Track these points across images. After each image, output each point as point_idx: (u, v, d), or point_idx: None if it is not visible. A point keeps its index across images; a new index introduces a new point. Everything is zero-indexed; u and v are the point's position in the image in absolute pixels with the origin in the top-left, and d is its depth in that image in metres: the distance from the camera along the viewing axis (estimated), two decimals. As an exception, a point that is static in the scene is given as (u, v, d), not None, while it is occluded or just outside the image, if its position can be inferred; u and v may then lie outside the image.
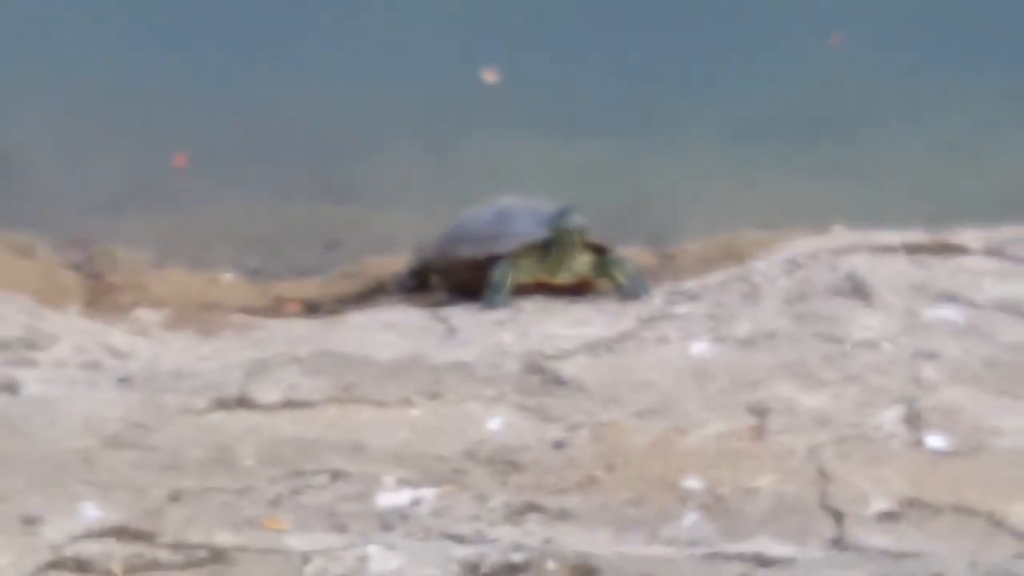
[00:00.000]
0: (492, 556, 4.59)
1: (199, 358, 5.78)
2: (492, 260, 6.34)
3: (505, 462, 5.29)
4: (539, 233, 6.39)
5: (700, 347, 5.95)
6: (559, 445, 5.34)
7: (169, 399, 5.71)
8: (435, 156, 7.12)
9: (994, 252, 6.10)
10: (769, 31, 9.33)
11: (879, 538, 4.83)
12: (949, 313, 5.72)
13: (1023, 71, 8.57)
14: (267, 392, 5.78)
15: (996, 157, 7.64)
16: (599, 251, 6.49)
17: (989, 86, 8.39)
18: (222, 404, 5.68)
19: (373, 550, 4.58)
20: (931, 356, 5.70)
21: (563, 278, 6.49)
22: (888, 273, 5.97)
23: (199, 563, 4.63)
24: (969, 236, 6.34)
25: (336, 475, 5.20)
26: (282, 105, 8.12)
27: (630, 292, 6.43)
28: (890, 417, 5.48)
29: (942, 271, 5.94)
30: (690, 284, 6.35)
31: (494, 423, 5.52)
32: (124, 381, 5.78)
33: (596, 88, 7.44)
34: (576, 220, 6.39)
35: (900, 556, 4.74)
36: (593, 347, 5.77)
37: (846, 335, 5.82)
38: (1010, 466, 5.21)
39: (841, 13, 9.92)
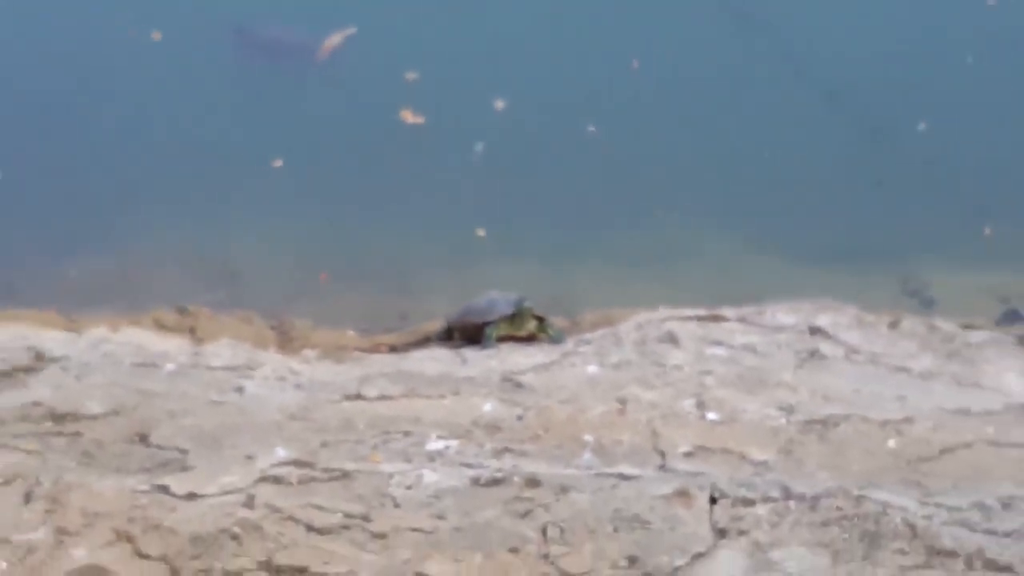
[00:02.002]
0: (485, 474, 4.83)
1: (335, 374, 5.91)
2: (485, 324, 6.32)
3: (492, 427, 5.37)
4: (509, 310, 6.32)
5: (592, 369, 5.90)
6: (520, 418, 5.44)
7: (320, 395, 5.74)
8: (457, 275, 7.13)
9: (741, 319, 6.28)
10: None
11: (684, 466, 5.01)
12: (718, 351, 5.87)
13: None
14: (370, 391, 5.76)
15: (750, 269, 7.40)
16: (539, 319, 6.39)
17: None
18: (347, 397, 5.71)
19: (425, 472, 4.82)
20: (709, 373, 5.77)
21: (521, 333, 6.43)
22: (687, 330, 6.08)
23: (337, 479, 4.80)
24: (728, 311, 6.44)
25: (406, 433, 5.27)
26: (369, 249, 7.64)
27: (555, 340, 6.35)
28: (688, 404, 5.55)
29: (714, 329, 6.10)
30: (587, 336, 6.36)
31: (487, 407, 5.57)
32: (298, 387, 5.79)
33: (540, 236, 7.50)
34: (527, 304, 6.34)
35: (695, 474, 4.87)
36: (536, 368, 5.92)
37: (665, 362, 5.85)
38: (750, 429, 5.32)
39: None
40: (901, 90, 8.88)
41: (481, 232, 7.42)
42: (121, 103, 8.70)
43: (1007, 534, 4.39)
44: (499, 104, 7.81)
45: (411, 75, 8.08)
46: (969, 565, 4.23)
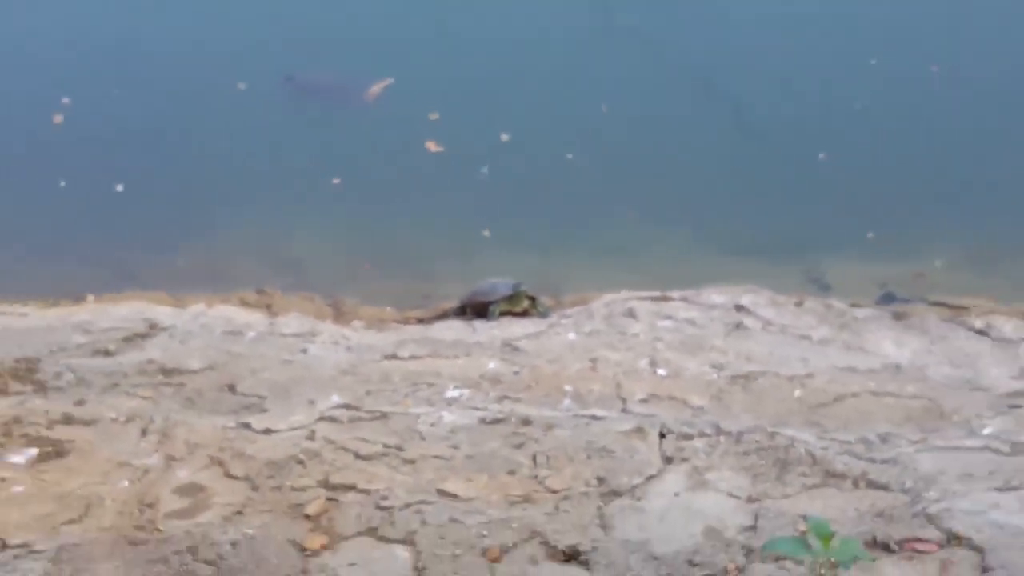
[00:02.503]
0: (489, 416, 4.88)
1: (376, 340, 5.89)
2: (489, 303, 6.26)
3: (495, 380, 5.38)
4: (508, 292, 6.25)
5: (571, 336, 5.82)
6: (516, 373, 5.45)
7: (365, 356, 5.77)
8: (468, 265, 7.16)
9: (684, 299, 6.24)
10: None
11: (640, 409, 5.05)
12: (666, 323, 5.83)
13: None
14: (403, 352, 5.72)
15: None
16: (532, 299, 6.30)
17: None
18: (386, 357, 5.69)
19: (444, 413, 4.89)
20: (659, 340, 5.69)
21: (517, 310, 6.32)
22: (643, 307, 6.04)
23: (377, 418, 4.87)
24: (674, 293, 6.35)
25: (429, 384, 5.29)
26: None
27: (543, 315, 6.25)
28: (644, 363, 5.53)
29: (664, 307, 6.06)
30: (567, 312, 6.29)
31: (491, 364, 5.59)
32: (348, 349, 5.76)
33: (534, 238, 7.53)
34: (522, 287, 6.28)
35: (648, 416, 4.92)
36: (529, 336, 5.87)
37: (626, 331, 5.78)
38: (691, 381, 5.34)
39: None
40: (806, 116, 8.82)
41: (486, 232, 7.54)
42: (216, 133, 8.87)
43: (884, 461, 4.47)
44: (504, 137, 7.94)
45: (433, 115, 8.14)
46: (856, 485, 4.33)
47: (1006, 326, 5.80)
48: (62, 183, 7.86)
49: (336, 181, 7.87)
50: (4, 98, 9.04)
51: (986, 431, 4.70)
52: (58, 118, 8.61)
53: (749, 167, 8.01)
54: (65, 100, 8.79)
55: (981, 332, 5.74)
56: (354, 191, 7.84)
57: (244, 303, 6.33)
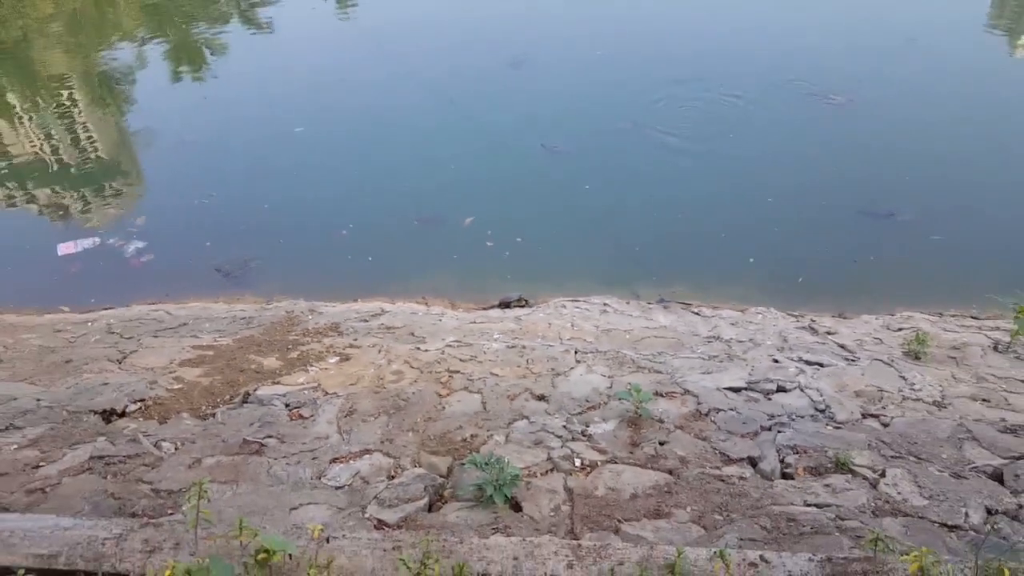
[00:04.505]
0: (509, 344, 4.52)
1: (466, 315, 5.37)
2: (510, 302, 5.62)
3: (511, 331, 4.86)
4: (515, 297, 5.64)
5: (540, 315, 5.23)
6: (519, 328, 4.93)
7: (463, 321, 5.15)
8: (501, 288, 5.93)
9: (587, 300, 5.67)
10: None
11: (567, 343, 4.59)
12: (577, 310, 5.40)
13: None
14: (475, 319, 5.17)
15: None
16: (525, 300, 5.62)
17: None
18: (470, 322, 5.11)
19: (492, 343, 4.53)
20: (574, 316, 5.21)
21: (519, 305, 5.63)
22: (568, 303, 5.55)
23: (466, 346, 4.45)
24: (582, 297, 5.62)
25: (485, 333, 4.79)
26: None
27: (529, 307, 5.51)
28: (568, 325, 4.99)
29: (576, 303, 5.57)
30: (538, 305, 5.62)
31: (510, 325, 5.02)
32: (456, 319, 5.18)
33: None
34: (521, 295, 5.65)
35: (570, 344, 4.54)
36: (524, 315, 5.39)
37: (562, 314, 5.28)
38: (586, 332, 4.85)
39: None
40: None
41: (468, 221, 6.30)
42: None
43: (659, 362, 4.28)
44: (468, 220, 6.42)
45: (468, 220, 6.51)
46: (649, 371, 4.11)
47: (706, 310, 5.49)
48: (343, 232, 6.46)
49: (468, 221, 6.41)
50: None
51: (698, 351, 4.55)
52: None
53: (613, 245, 6.27)
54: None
55: (696, 312, 5.42)
56: (437, 239, 6.41)
57: (417, 302, 5.82)
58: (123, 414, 3.55)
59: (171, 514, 2.61)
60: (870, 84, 7.99)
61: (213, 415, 3.52)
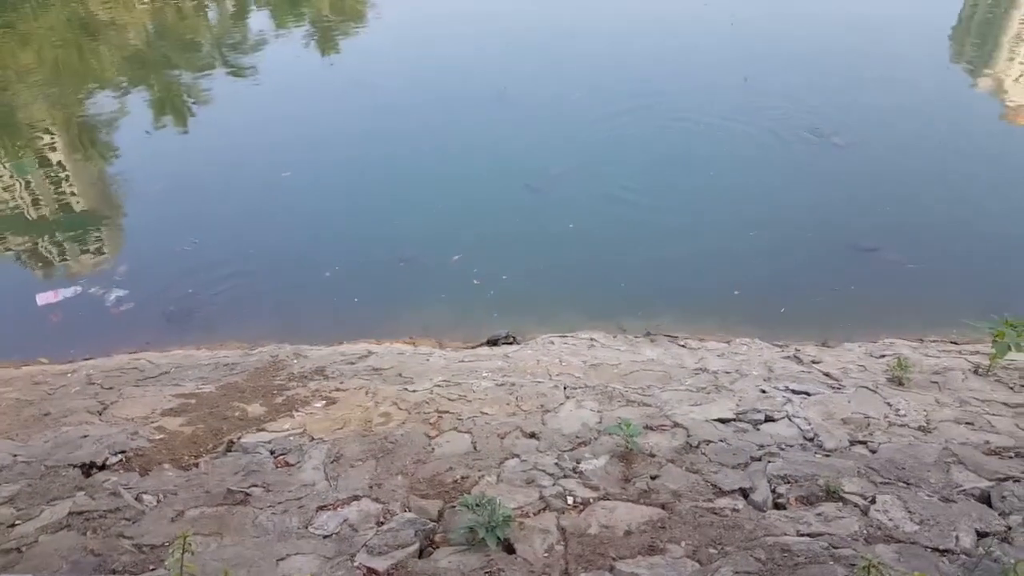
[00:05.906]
0: (498, 382, 4.51)
1: (455, 355, 5.32)
2: (498, 339, 5.58)
3: (500, 369, 4.84)
4: (504, 334, 5.58)
5: (528, 352, 5.24)
6: (508, 366, 4.87)
7: (451, 361, 5.06)
8: (489, 327, 5.97)
9: (574, 336, 5.61)
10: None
11: (556, 380, 4.57)
12: (565, 346, 5.38)
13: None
14: (464, 358, 5.15)
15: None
16: (513, 338, 5.59)
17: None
18: (459, 361, 5.05)
19: (482, 382, 4.48)
20: (562, 352, 5.15)
21: (509, 341, 5.56)
22: (556, 340, 5.55)
23: (455, 385, 4.43)
24: (570, 334, 5.62)
25: (474, 371, 4.76)
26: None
27: (517, 344, 5.51)
28: (556, 361, 4.99)
29: (564, 339, 5.53)
30: (527, 342, 5.56)
31: (499, 363, 5.04)
32: (444, 358, 5.19)
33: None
34: (510, 332, 5.62)
35: (559, 382, 4.52)
36: (513, 352, 5.40)
37: (549, 350, 5.24)
38: (574, 367, 4.75)
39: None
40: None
41: (495, 314, 6.05)
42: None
43: (648, 395, 4.28)
44: (455, 258, 6.49)
45: (455, 257, 6.53)
46: (638, 404, 4.13)
47: (692, 342, 5.49)
48: (327, 274, 6.38)
49: (442, 296, 6.35)
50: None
51: (686, 383, 4.52)
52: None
53: (595, 283, 6.34)
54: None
55: (682, 345, 5.41)
56: (451, 300, 6.32)
57: (404, 342, 5.75)
58: (103, 467, 3.42)
59: (153, 570, 2.54)
60: (857, 120, 8.31)
61: (196, 465, 3.43)
